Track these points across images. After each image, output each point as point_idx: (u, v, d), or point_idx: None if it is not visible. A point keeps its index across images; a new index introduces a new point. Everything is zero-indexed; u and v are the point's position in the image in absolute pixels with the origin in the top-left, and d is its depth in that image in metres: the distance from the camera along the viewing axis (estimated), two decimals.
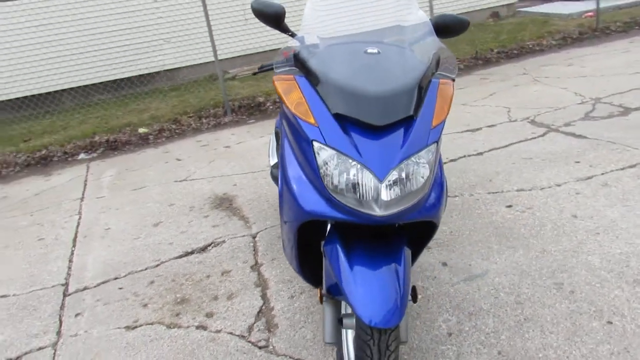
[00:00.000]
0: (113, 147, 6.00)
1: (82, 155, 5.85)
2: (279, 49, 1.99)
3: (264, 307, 2.41)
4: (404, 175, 1.54)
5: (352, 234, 1.69)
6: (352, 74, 1.66)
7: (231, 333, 2.24)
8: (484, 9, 10.15)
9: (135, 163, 5.22)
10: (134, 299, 2.62)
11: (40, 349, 2.33)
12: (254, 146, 5.08)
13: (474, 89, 5.95)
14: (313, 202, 1.62)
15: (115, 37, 8.05)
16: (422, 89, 1.71)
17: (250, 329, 2.26)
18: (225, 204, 3.72)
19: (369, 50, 1.72)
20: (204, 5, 6.07)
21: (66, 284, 2.88)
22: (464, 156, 3.89)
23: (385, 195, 1.52)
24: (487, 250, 2.59)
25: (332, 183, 1.56)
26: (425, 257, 2.61)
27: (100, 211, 3.94)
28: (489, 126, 4.50)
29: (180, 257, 3.01)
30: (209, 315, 2.40)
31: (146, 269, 2.92)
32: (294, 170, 1.71)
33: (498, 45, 7.80)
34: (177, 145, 5.63)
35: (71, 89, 8.10)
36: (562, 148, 3.75)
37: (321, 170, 1.57)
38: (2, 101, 7.84)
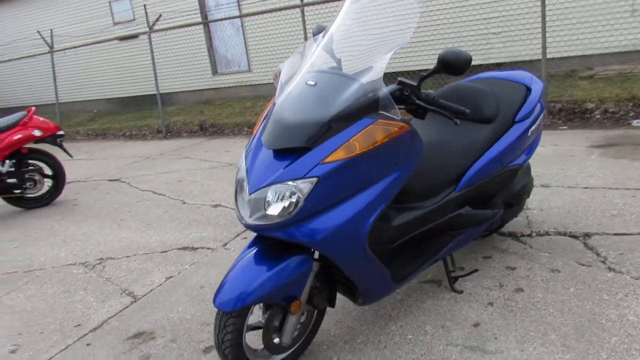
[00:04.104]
0: None
1: None
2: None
3: None
4: (268, 195, 1.73)
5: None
6: (284, 100, 1.88)
7: None
8: None
9: None
10: None
11: (208, 249, 3.46)
12: None
13: None
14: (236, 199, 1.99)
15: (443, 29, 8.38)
16: (342, 124, 1.75)
17: None
18: None
19: (308, 82, 1.85)
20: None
21: None
22: None
23: (250, 207, 1.77)
24: (540, 336, 2.04)
25: (235, 183, 1.92)
26: (468, 310, 2.29)
27: None
28: None
29: None
30: None
31: None
32: None
33: None
34: None
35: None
36: None
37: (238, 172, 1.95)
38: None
